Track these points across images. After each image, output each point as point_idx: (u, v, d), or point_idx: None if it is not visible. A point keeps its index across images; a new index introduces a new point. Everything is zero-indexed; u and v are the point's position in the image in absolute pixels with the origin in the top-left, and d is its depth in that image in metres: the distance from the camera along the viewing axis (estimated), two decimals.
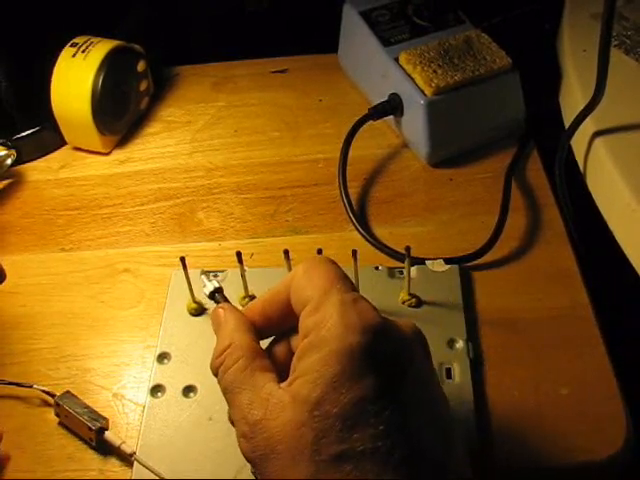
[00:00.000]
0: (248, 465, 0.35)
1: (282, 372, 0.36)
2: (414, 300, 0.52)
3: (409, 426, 0.32)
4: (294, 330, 0.38)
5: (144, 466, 0.44)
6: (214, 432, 0.46)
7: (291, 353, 0.38)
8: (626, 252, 0.53)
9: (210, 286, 0.42)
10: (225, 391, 0.36)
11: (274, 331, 0.39)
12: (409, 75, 0.62)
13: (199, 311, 0.52)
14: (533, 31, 0.73)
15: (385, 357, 0.33)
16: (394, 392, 0.33)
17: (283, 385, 0.34)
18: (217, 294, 0.42)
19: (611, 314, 0.53)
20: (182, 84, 0.75)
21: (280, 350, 0.39)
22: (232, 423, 0.37)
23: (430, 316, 0.51)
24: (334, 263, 0.38)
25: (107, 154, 0.68)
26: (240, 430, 0.34)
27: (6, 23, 0.68)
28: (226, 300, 0.42)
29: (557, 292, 0.53)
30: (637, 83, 0.61)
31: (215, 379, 0.48)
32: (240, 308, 0.40)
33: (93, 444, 0.46)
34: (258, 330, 0.39)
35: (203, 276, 0.44)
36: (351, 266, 0.49)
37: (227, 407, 0.47)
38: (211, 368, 0.38)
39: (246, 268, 0.51)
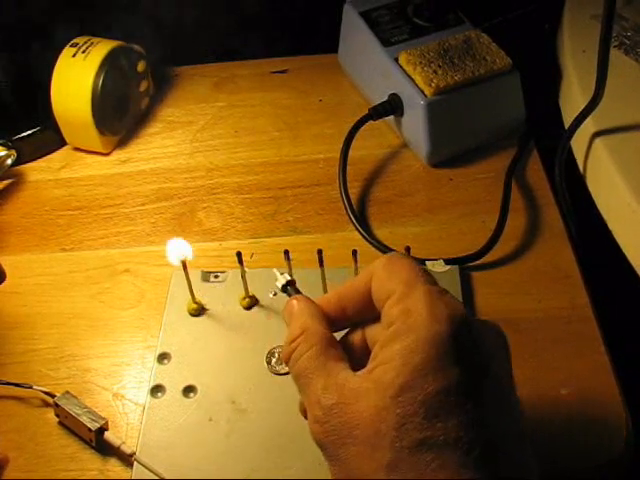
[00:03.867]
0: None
1: (355, 363, 0.36)
2: None
3: (490, 422, 0.32)
4: (369, 322, 0.38)
5: (144, 466, 0.44)
6: (214, 432, 0.46)
7: (365, 344, 0.38)
8: (626, 252, 0.53)
9: (282, 279, 0.42)
10: (298, 377, 0.36)
11: (347, 323, 0.39)
12: (409, 75, 0.62)
13: (199, 311, 0.52)
14: (533, 31, 0.73)
15: (470, 349, 0.33)
16: (477, 385, 0.32)
17: (361, 373, 0.34)
18: (289, 287, 0.42)
19: (611, 314, 0.53)
20: (182, 84, 0.75)
21: (355, 341, 0.38)
22: (303, 413, 0.36)
23: None
24: (413, 259, 0.38)
25: (107, 154, 0.68)
26: (313, 414, 0.34)
27: (6, 23, 0.68)
28: (298, 292, 0.42)
29: (557, 292, 0.53)
30: (637, 83, 0.61)
31: (215, 380, 0.49)
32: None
33: (93, 444, 0.46)
34: (331, 321, 0.38)
35: (275, 270, 0.43)
36: (351, 266, 0.49)
37: (227, 407, 0.47)
38: (283, 355, 0.37)
39: (246, 268, 0.51)
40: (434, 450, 0.31)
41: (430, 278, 0.36)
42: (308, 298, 0.40)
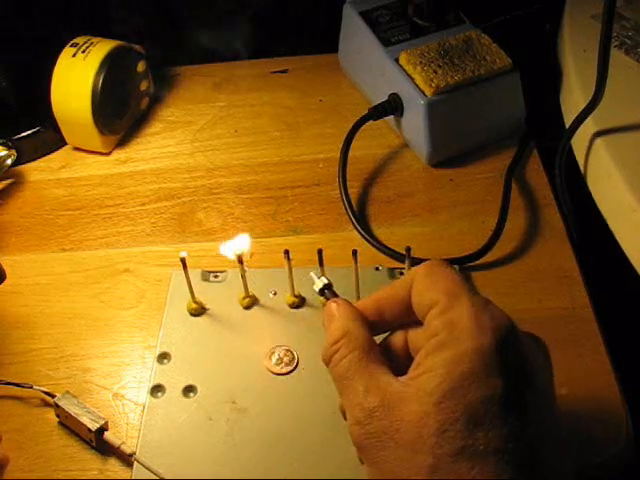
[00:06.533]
0: None
1: (396, 366, 0.36)
2: None
3: (532, 433, 0.32)
4: (411, 325, 0.38)
5: (144, 466, 0.44)
6: (214, 432, 0.46)
7: (406, 347, 0.38)
8: (626, 252, 0.52)
9: (319, 283, 0.42)
10: (339, 378, 0.36)
11: (384, 328, 0.39)
12: (409, 75, 0.62)
13: (199, 311, 0.52)
14: (533, 31, 0.73)
15: (515, 360, 0.33)
16: (520, 397, 0.33)
17: (403, 378, 0.34)
18: (327, 290, 0.42)
19: (611, 314, 0.53)
20: (182, 84, 0.75)
21: (396, 344, 0.38)
22: (343, 415, 0.36)
23: None
24: (454, 267, 0.38)
25: (107, 154, 0.68)
26: (354, 416, 0.34)
27: (6, 23, 0.68)
28: (336, 295, 0.42)
29: (557, 292, 0.53)
30: (637, 83, 0.61)
31: (215, 379, 0.49)
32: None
33: (93, 444, 0.46)
34: (369, 326, 0.38)
35: (312, 273, 0.43)
36: (351, 266, 0.49)
37: (227, 407, 0.47)
38: (324, 357, 0.38)
39: (246, 268, 0.51)
40: (473, 459, 0.31)
41: (472, 287, 0.36)
42: (347, 301, 0.39)
